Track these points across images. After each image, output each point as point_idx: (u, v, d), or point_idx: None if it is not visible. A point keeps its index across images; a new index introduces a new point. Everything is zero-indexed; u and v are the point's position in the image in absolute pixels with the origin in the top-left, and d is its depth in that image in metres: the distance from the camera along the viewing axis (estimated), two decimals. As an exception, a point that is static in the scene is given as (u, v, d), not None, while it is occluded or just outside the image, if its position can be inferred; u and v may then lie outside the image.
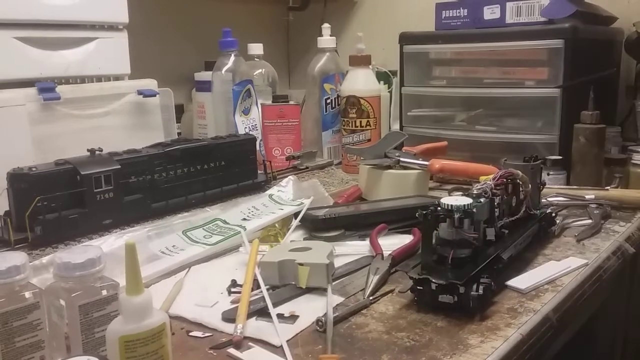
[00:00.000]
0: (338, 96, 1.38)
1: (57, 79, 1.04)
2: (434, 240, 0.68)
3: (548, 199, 1.01)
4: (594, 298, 0.77)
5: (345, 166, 1.35)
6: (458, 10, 1.35)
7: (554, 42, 1.19)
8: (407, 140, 1.24)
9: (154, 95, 1.15)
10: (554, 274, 0.73)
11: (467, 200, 0.68)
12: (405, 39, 1.41)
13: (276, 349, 0.57)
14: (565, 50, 1.17)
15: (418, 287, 0.65)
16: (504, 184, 0.76)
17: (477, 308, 0.63)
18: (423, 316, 0.64)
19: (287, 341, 0.58)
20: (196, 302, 0.68)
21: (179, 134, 1.38)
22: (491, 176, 0.76)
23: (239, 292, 0.68)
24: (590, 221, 0.93)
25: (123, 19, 1.12)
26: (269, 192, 1.05)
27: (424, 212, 0.68)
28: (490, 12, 1.31)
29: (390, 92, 1.55)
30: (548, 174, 1.11)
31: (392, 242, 0.84)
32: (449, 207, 0.67)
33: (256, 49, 1.42)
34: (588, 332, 0.89)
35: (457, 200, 0.68)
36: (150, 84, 1.16)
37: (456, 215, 0.66)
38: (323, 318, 0.61)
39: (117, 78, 1.14)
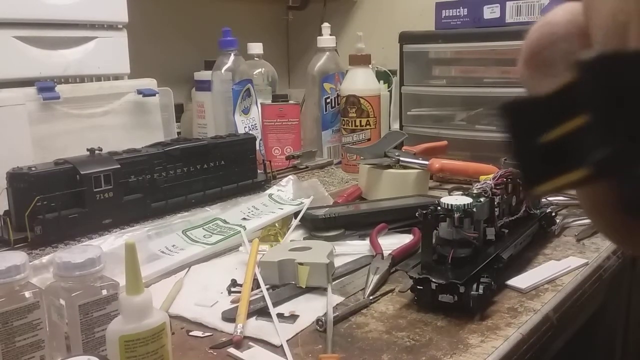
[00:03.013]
0: (338, 95, 1.38)
1: (57, 78, 1.04)
2: (434, 240, 0.68)
3: (548, 198, 1.01)
4: (594, 298, 0.76)
5: (345, 165, 1.35)
6: (458, 10, 1.35)
7: (553, 42, 1.18)
8: (406, 140, 1.24)
9: (154, 95, 1.15)
10: (554, 273, 0.73)
11: (467, 200, 0.68)
12: (405, 38, 1.41)
13: (276, 349, 0.57)
14: (565, 50, 1.17)
15: (418, 287, 0.65)
16: (504, 184, 0.76)
17: (477, 308, 0.63)
18: (423, 316, 0.63)
19: (287, 341, 0.58)
20: (196, 301, 0.68)
21: (178, 133, 1.38)
22: (491, 175, 0.76)
23: (239, 292, 0.68)
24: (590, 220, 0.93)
25: (122, 19, 1.12)
26: (268, 191, 1.05)
27: (424, 212, 0.68)
28: (490, 12, 1.31)
29: (390, 91, 1.55)
30: (548, 174, 1.11)
31: (392, 242, 0.84)
32: (449, 207, 0.67)
33: (256, 48, 1.42)
34: (588, 332, 0.89)
35: (457, 199, 0.68)
36: (149, 83, 1.16)
37: (456, 215, 0.66)
38: (323, 317, 0.61)
39: (117, 77, 1.14)
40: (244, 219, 0.92)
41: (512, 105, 0.15)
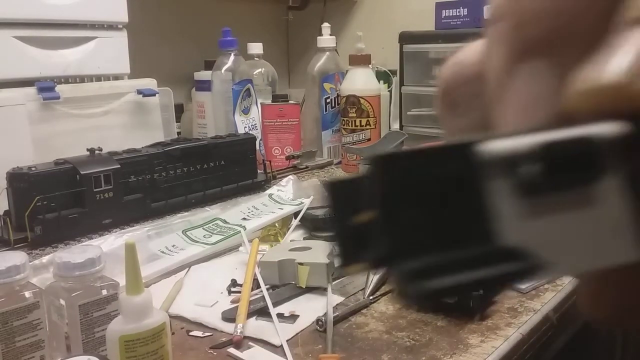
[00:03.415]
0: (338, 95, 1.38)
1: (57, 78, 1.04)
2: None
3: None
4: (594, 297, 0.76)
5: (345, 165, 1.35)
6: (458, 10, 1.35)
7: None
8: (406, 140, 1.24)
9: (154, 95, 1.15)
10: (554, 273, 0.73)
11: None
12: (405, 38, 1.41)
13: (276, 349, 0.57)
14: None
15: (418, 287, 0.65)
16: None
17: (477, 308, 0.63)
18: (423, 316, 0.63)
19: (287, 341, 0.58)
20: (196, 301, 0.68)
21: (178, 133, 1.38)
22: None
23: (239, 292, 0.68)
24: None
25: (122, 18, 1.12)
26: (268, 191, 1.05)
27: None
28: (490, 12, 1.31)
29: (390, 91, 1.55)
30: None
31: (392, 242, 0.84)
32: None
33: (256, 48, 1.42)
34: (588, 332, 0.89)
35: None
36: (149, 83, 1.16)
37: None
38: (323, 317, 0.61)
39: (117, 77, 1.14)
40: (244, 219, 0.92)
41: (335, 183, 0.15)
